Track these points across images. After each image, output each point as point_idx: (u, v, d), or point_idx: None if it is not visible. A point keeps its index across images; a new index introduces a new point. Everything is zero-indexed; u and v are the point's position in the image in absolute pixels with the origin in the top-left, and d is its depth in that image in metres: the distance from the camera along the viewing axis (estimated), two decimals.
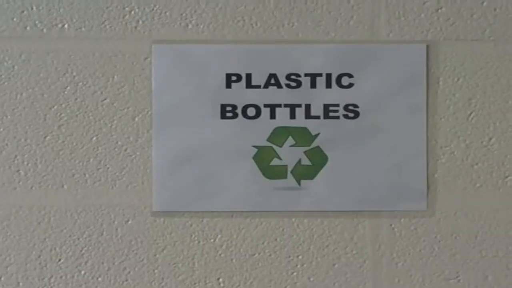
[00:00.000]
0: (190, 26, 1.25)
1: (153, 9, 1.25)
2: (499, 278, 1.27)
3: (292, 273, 1.27)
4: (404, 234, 1.27)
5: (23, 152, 1.25)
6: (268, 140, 1.27)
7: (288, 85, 1.26)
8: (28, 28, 1.24)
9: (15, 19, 1.24)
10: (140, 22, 1.25)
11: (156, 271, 1.27)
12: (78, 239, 1.26)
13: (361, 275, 1.27)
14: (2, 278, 1.26)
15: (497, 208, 1.27)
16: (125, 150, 1.26)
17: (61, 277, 1.27)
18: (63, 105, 1.25)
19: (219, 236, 1.27)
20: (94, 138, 1.26)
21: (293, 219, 1.27)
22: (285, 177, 1.27)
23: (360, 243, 1.27)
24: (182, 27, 1.25)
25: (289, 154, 1.27)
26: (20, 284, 1.26)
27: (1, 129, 1.25)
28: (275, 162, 1.27)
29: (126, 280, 1.27)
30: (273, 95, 1.26)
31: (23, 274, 1.26)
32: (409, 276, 1.27)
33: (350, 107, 1.26)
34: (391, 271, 1.27)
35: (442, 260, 1.27)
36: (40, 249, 1.26)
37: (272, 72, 1.26)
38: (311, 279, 1.27)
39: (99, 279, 1.26)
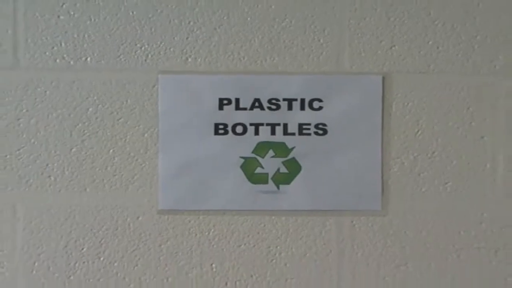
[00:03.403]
0: (189, 60, 1.53)
1: (159, 46, 1.52)
2: (440, 265, 1.55)
3: (272, 260, 1.55)
4: (363, 230, 1.55)
5: (53, 161, 1.53)
6: (253, 152, 1.54)
7: (269, 108, 1.54)
8: (57, 60, 1.52)
9: (47, 53, 1.52)
10: (149, 56, 1.52)
11: (161, 258, 1.55)
12: (98, 232, 1.54)
13: (327, 262, 1.55)
14: (36, 264, 1.54)
15: (439, 209, 1.54)
16: (136, 160, 1.53)
17: (83, 262, 1.54)
18: (86, 123, 1.53)
19: (212, 230, 1.55)
20: (111, 150, 1.53)
21: (273, 217, 1.55)
22: (266, 182, 1.55)
23: (327, 236, 1.55)
24: (183, 60, 1.53)
25: (270, 164, 1.54)
26: (50, 268, 1.54)
27: (36, 143, 1.52)
28: (258, 170, 1.55)
29: (137, 265, 1.54)
30: (257, 115, 1.54)
31: (52, 260, 1.54)
32: (366, 264, 1.55)
33: (320, 126, 1.54)
34: (352, 260, 1.55)
35: (394, 251, 1.55)
36: (66, 240, 1.54)
37: (257, 97, 1.54)
38: (287, 265, 1.55)
39: (115, 264, 1.54)
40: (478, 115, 1.53)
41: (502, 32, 1.52)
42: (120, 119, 1.53)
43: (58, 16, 1.51)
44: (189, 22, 1.52)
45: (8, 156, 1.52)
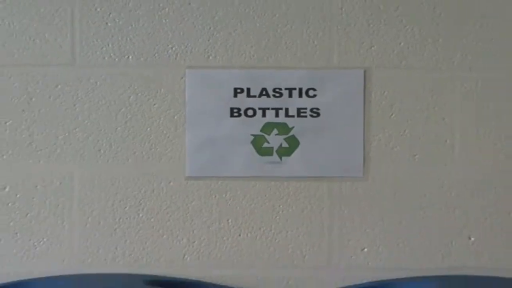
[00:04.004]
0: (210, 57, 1.92)
1: (186, 47, 1.91)
2: (409, 221, 1.95)
3: (276, 216, 1.95)
4: (348, 192, 1.94)
5: (102, 138, 1.92)
6: (260, 130, 1.94)
7: (274, 95, 1.93)
8: (105, 58, 1.92)
9: (97, 53, 1.91)
10: (178, 55, 1.92)
11: (188, 215, 1.95)
12: (137, 194, 1.94)
13: (320, 218, 1.95)
14: (89, 218, 1.94)
15: (408, 176, 1.94)
16: (168, 137, 1.93)
17: (126, 218, 1.95)
18: (128, 108, 1.92)
19: (229, 193, 1.94)
20: (148, 129, 1.93)
21: (277, 182, 1.94)
22: (271, 154, 1.94)
23: (320, 197, 1.94)
24: (205, 58, 1.92)
25: (274, 140, 1.94)
26: (100, 222, 1.94)
27: (88, 123, 1.92)
28: (265, 145, 1.94)
29: (169, 221, 1.94)
30: (264, 101, 1.93)
31: (102, 216, 1.94)
32: (352, 220, 1.95)
33: (314, 110, 1.93)
34: (340, 217, 1.95)
35: (373, 209, 1.95)
36: (113, 200, 1.94)
37: (264, 87, 1.93)
38: (288, 220, 1.95)
39: (151, 220, 1.95)
40: (439, 101, 1.92)
41: (459, 36, 1.91)
42: (155, 104, 1.93)
43: (106, 23, 1.91)
44: (210, 28, 1.91)
45: (67, 134, 1.92)
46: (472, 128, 1.93)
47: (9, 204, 1.93)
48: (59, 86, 1.92)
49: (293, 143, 1.94)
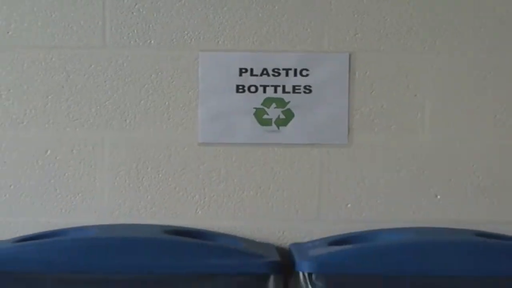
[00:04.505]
0: (219, 42, 2.29)
1: (200, 33, 2.28)
2: (386, 181, 2.32)
3: (274, 177, 2.33)
4: (335, 156, 2.32)
5: (128, 110, 2.29)
6: (261, 104, 2.31)
7: (273, 75, 2.30)
8: (131, 42, 2.28)
9: (124, 38, 2.28)
10: (193, 39, 2.28)
11: (199, 175, 2.32)
12: (158, 157, 2.31)
13: (311, 179, 2.33)
14: (117, 178, 2.31)
15: (385, 143, 2.32)
16: (184, 109, 2.30)
17: (149, 177, 2.31)
18: (150, 85, 2.29)
19: (235, 156, 2.32)
20: (167, 103, 2.30)
21: (275, 148, 2.32)
22: (271, 125, 2.31)
23: (311, 161, 2.32)
24: (215, 42, 2.29)
25: (273, 112, 2.31)
26: (126, 181, 2.31)
27: (117, 97, 2.29)
28: (265, 116, 2.31)
29: (184, 180, 2.32)
30: (264, 80, 2.30)
31: (128, 175, 2.31)
32: (338, 179, 2.33)
33: (307, 87, 2.30)
34: (328, 177, 2.33)
35: (356, 171, 2.32)
36: (137, 162, 2.31)
37: (265, 67, 2.30)
38: (284, 180, 2.33)
39: (169, 179, 2.31)
40: (412, 80, 2.31)
41: (429, 24, 2.29)
42: (173, 81, 2.30)
43: (132, 13, 2.28)
44: (219, 17, 2.29)
45: (98, 107, 2.30)
46: (439, 103, 2.32)
47: (50, 165, 2.31)
48: (92, 66, 2.29)
49: (289, 115, 2.31)
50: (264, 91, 2.31)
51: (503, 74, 2.32)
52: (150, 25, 2.29)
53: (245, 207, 2.34)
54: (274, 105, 2.31)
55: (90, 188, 2.32)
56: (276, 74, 2.30)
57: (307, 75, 2.30)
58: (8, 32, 2.28)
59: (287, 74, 2.30)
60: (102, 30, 2.28)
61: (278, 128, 2.32)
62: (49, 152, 2.30)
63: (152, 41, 2.29)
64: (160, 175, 2.33)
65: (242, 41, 2.30)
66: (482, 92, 2.32)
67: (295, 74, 2.31)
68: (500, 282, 2.05)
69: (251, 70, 2.30)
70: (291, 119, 2.32)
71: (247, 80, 2.30)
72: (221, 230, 2.32)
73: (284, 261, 2.07)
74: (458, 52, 2.30)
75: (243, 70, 2.30)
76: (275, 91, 2.31)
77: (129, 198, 2.33)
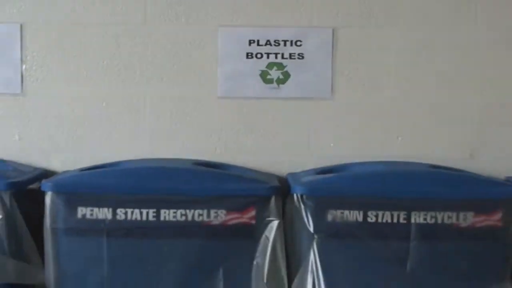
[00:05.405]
0: (234, 19, 2.97)
1: (219, 12, 2.95)
2: (360, 126, 3.02)
3: (274, 123, 3.02)
4: (322, 107, 3.00)
5: (164, 72, 2.98)
6: (265, 67, 2.99)
7: (274, 45, 2.97)
8: (166, 20, 2.96)
9: (161, 17, 2.95)
10: (214, 17, 2.96)
11: (219, 120, 3.01)
12: (187, 107, 3.00)
13: (303, 124, 3.01)
14: (156, 123, 3.01)
15: (359, 97, 3.00)
16: (206, 71, 2.99)
17: (180, 123, 3.01)
18: (180, 52, 2.98)
19: (245, 107, 3.00)
20: (194, 66, 2.98)
21: (276, 101, 3.02)
22: (272, 83, 3.00)
23: (303, 111, 3.01)
24: (230, 20, 2.97)
25: (274, 73, 3.00)
26: (164, 124, 3.00)
27: (155, 63, 2.97)
28: (268, 76, 3.00)
29: (206, 124, 3.01)
30: (268, 49, 2.98)
31: (164, 121, 3.00)
32: (323, 124, 3.02)
33: (300, 54, 2.98)
34: (316, 123, 3.02)
35: (337, 117, 3.02)
36: (171, 112, 3.01)
37: (268, 39, 2.97)
38: (282, 125, 3.02)
39: (195, 123, 3.00)
40: (381, 49, 2.98)
41: (390, 5, 2.96)
42: (198, 49, 2.99)
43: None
44: (234, 1, 2.95)
45: (141, 70, 2.99)
46: (403, 65, 3.00)
47: (105, 114, 3.01)
48: (136, 38, 2.98)
49: (286, 76, 3.00)
50: (268, 57, 2.99)
51: (440, 46, 2.99)
52: (181, 6, 2.96)
53: (253, 144, 3.03)
54: (275, 68, 2.99)
55: (136, 131, 3.02)
56: (276, 44, 2.98)
57: (300, 45, 2.98)
58: (74, 12, 2.96)
59: (285, 44, 2.98)
60: (144, 10, 2.96)
61: (278, 86, 3.01)
62: (104, 104, 3.01)
63: (183, 19, 2.97)
64: (188, 121, 3.02)
65: (251, 19, 2.97)
66: (429, 59, 2.99)
67: (291, 44, 2.98)
68: (447, 203, 2.63)
69: (258, 41, 2.98)
70: (288, 79, 3.00)
71: (254, 49, 2.98)
72: (235, 163, 3.01)
73: (282, 186, 2.72)
74: (416, 27, 2.98)
75: (252, 41, 2.98)
76: (276, 57, 2.99)
77: (165, 138, 3.03)
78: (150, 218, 2.61)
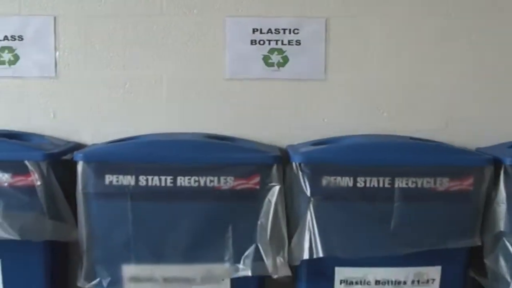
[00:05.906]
0: (239, 10, 3.35)
1: (226, 4, 3.34)
2: (348, 105, 3.43)
3: (275, 101, 3.45)
4: (316, 88, 3.40)
5: (178, 55, 3.38)
6: (267, 52, 3.38)
7: (275, 32, 3.37)
8: (180, 11, 3.34)
9: (176, 8, 3.34)
10: (221, 8, 3.34)
11: (226, 100, 3.40)
12: (199, 87, 3.40)
13: (300, 102, 3.41)
14: (172, 102, 3.43)
15: (349, 79, 3.40)
16: (215, 55, 3.37)
17: (192, 101, 3.42)
18: (193, 39, 3.37)
19: (249, 88, 3.39)
20: (205, 51, 3.38)
21: (277, 82, 3.41)
22: (273, 66, 3.40)
23: (300, 90, 3.40)
24: (236, 10, 3.35)
25: (275, 57, 3.39)
26: (180, 104, 3.41)
27: (171, 47, 3.37)
28: (270, 60, 3.39)
29: (216, 99, 3.40)
30: (270, 36, 3.37)
31: (179, 100, 3.40)
32: (317, 102, 3.41)
33: (298, 41, 3.38)
34: (312, 100, 3.44)
35: (329, 96, 3.44)
36: (184, 90, 3.41)
37: (270, 27, 3.36)
38: (282, 103, 3.41)
39: (206, 101, 3.40)
40: (366, 35, 3.38)
41: None
42: (208, 36, 3.38)
43: None
44: None
45: (159, 55, 3.38)
46: (386, 50, 3.39)
47: (127, 93, 3.41)
48: (154, 27, 3.37)
49: (285, 60, 3.40)
50: (269, 44, 3.38)
51: (418, 32, 3.38)
52: (193, 0, 3.36)
53: (257, 120, 3.41)
54: (276, 53, 3.38)
55: (155, 109, 3.40)
56: (277, 32, 3.38)
57: (297, 32, 3.38)
58: (100, 6, 3.35)
59: (284, 32, 3.38)
60: (161, 3, 3.35)
61: (278, 68, 3.40)
62: (127, 84, 3.40)
63: (195, 11, 3.36)
64: (199, 100, 3.41)
65: (254, 10, 3.36)
66: (410, 43, 3.38)
67: (290, 32, 3.38)
68: (426, 169, 2.89)
69: (260, 29, 3.37)
70: (287, 62, 3.39)
71: (257, 36, 3.37)
72: (241, 136, 3.38)
73: (283, 156, 3.04)
74: (393, 16, 3.36)
75: (255, 30, 3.37)
76: (276, 44, 3.38)
77: (179, 114, 3.42)
78: (168, 184, 2.90)
